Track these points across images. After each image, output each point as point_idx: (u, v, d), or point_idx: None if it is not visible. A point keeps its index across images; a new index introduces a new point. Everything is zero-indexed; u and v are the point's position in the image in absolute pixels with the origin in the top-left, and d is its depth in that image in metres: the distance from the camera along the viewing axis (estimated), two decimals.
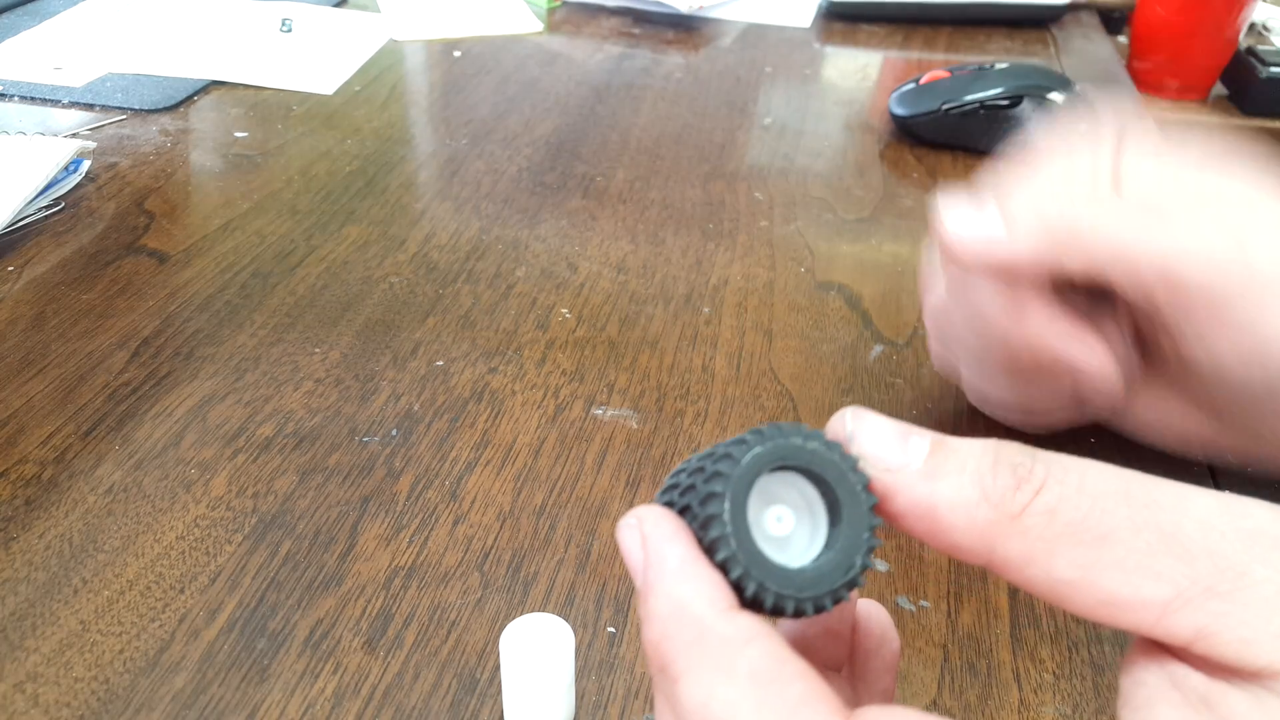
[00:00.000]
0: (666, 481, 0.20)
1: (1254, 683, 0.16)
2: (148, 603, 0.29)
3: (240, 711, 0.26)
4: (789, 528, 0.19)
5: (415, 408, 0.36)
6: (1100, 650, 0.28)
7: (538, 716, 0.25)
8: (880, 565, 0.31)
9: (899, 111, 0.58)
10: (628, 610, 0.29)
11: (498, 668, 0.27)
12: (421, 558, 0.30)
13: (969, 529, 0.18)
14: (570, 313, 0.42)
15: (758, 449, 0.18)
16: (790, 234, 0.49)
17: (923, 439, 0.19)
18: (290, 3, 0.79)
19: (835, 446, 0.19)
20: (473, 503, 0.32)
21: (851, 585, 0.18)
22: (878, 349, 0.40)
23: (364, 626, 0.28)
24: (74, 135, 0.55)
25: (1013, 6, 0.79)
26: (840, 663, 0.22)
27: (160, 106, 0.59)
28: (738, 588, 0.18)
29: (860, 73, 0.70)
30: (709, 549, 0.18)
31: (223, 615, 0.28)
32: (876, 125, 0.61)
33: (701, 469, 0.19)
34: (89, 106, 0.59)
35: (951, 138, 0.57)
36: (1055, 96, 0.55)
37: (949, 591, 0.30)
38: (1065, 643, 0.28)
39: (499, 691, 0.26)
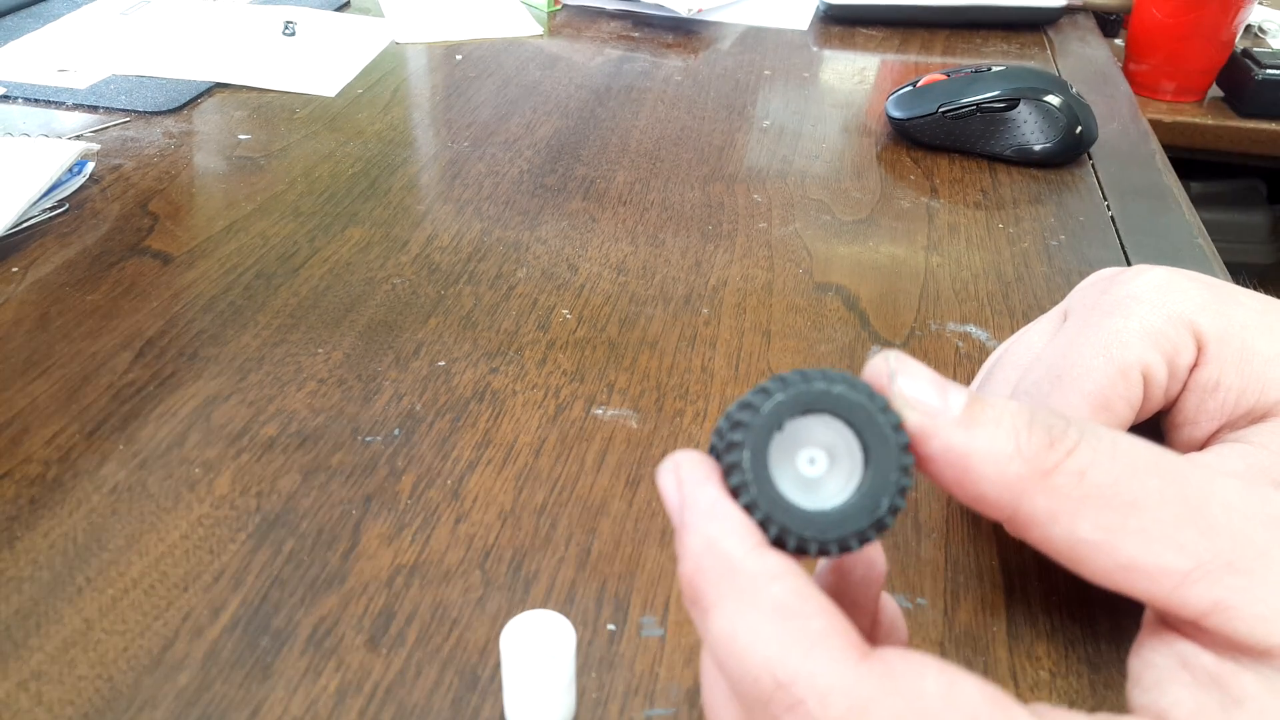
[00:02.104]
0: (721, 419, 0.21)
1: (1263, 662, 0.17)
2: (151, 601, 0.29)
3: (243, 709, 0.26)
4: (822, 469, 0.19)
5: (417, 408, 0.37)
6: (1096, 648, 0.28)
7: (538, 713, 0.25)
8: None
9: (896, 114, 0.58)
10: (628, 608, 0.29)
11: (499, 665, 0.27)
12: (423, 556, 0.31)
13: (998, 480, 0.18)
14: (571, 313, 0.42)
15: (779, 397, 0.19)
16: (788, 235, 0.49)
17: (960, 392, 0.19)
18: (293, 6, 0.79)
19: (863, 388, 0.19)
20: (474, 502, 0.33)
21: (879, 526, 0.18)
22: (875, 349, 0.41)
23: (366, 624, 0.28)
24: (78, 137, 0.56)
25: (1009, 10, 0.79)
26: (873, 595, 0.22)
27: (164, 109, 0.60)
28: (763, 530, 0.18)
29: (858, 75, 0.70)
30: (734, 494, 0.19)
31: (226, 613, 0.29)
32: (874, 128, 0.61)
33: (730, 417, 0.19)
34: (93, 108, 0.59)
35: (948, 140, 0.57)
36: (1051, 99, 0.55)
37: (946, 589, 0.30)
38: (1061, 641, 0.29)
39: (500, 689, 0.27)
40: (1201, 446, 0.30)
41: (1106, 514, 0.17)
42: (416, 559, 0.31)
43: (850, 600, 0.21)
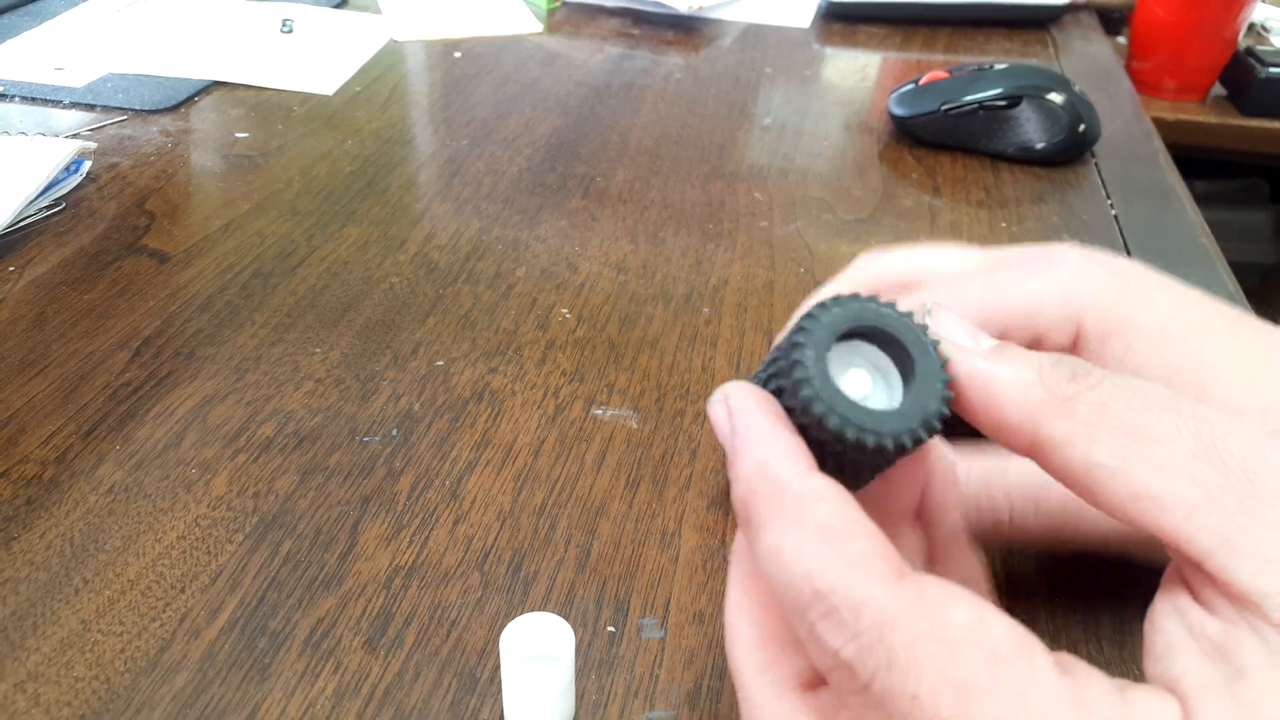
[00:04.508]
0: (750, 379, 0.22)
1: (1265, 621, 0.17)
2: (148, 602, 0.29)
3: (241, 711, 0.26)
4: (867, 388, 0.20)
5: (415, 408, 0.36)
6: (1099, 649, 0.28)
7: (538, 716, 0.25)
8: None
9: (898, 112, 0.58)
10: (628, 610, 0.29)
11: (498, 667, 0.27)
12: (422, 557, 0.30)
13: (1020, 404, 0.19)
14: (570, 313, 0.42)
15: (836, 310, 0.20)
16: (790, 234, 0.49)
17: (992, 338, 0.21)
18: (291, 3, 0.79)
19: (907, 315, 0.20)
20: (473, 502, 0.32)
21: (930, 428, 0.19)
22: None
23: (364, 626, 0.28)
24: (75, 136, 0.56)
25: (1012, 7, 0.79)
26: (914, 510, 0.23)
27: (161, 107, 0.59)
28: (820, 427, 0.19)
29: (859, 73, 0.70)
30: (793, 391, 0.19)
31: (223, 615, 0.28)
32: (876, 126, 0.61)
33: (782, 345, 0.20)
34: (90, 107, 0.59)
35: (950, 138, 0.57)
36: (1054, 97, 0.55)
37: None
38: (1064, 641, 0.28)
39: (499, 691, 0.27)
40: None
41: (1124, 442, 0.18)
42: (415, 560, 0.30)
43: (898, 481, 0.23)
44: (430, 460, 0.34)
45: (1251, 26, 1.20)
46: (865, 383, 0.20)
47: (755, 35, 0.76)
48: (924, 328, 0.20)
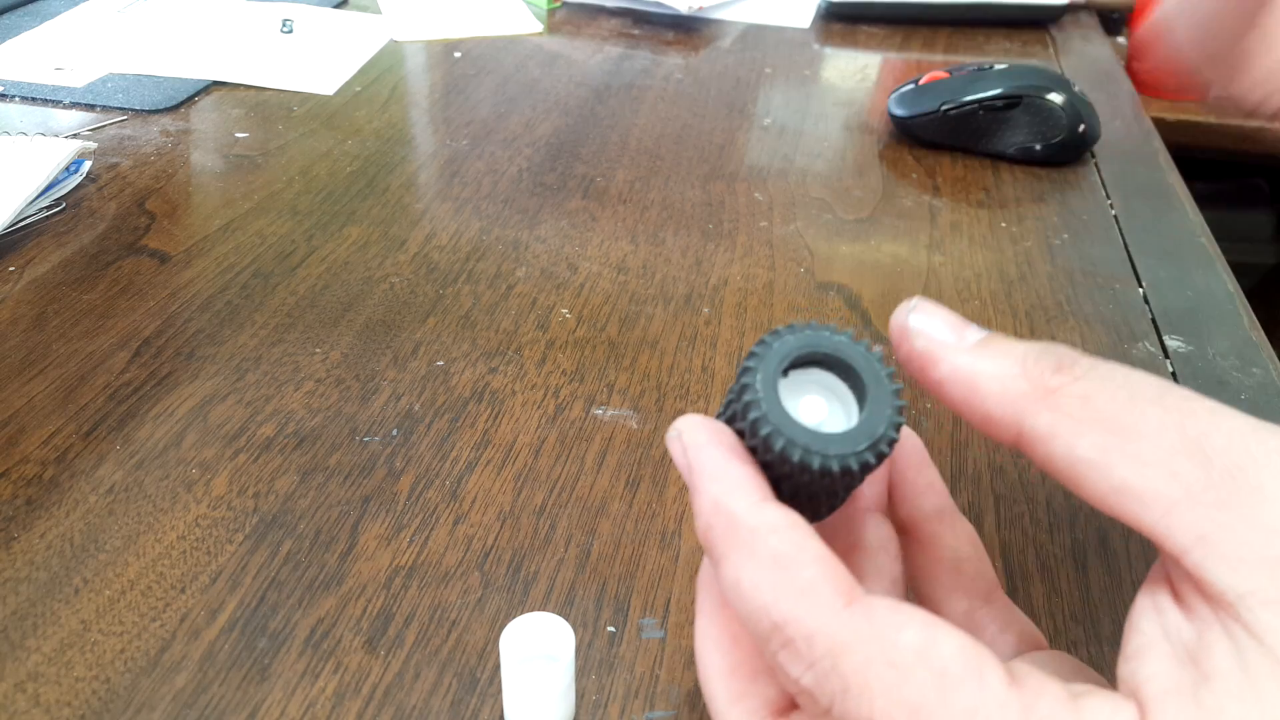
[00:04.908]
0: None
1: (1238, 623, 0.16)
2: (149, 602, 0.29)
3: (241, 711, 0.26)
4: (823, 414, 0.21)
5: (416, 408, 0.36)
6: (1099, 649, 0.28)
7: (538, 716, 0.25)
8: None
9: (898, 112, 0.58)
10: (628, 610, 0.29)
11: (498, 667, 0.27)
12: (422, 557, 0.30)
13: (1003, 397, 0.19)
14: (570, 313, 0.42)
15: (788, 336, 0.20)
16: (790, 234, 0.49)
17: (978, 331, 0.21)
18: (291, 3, 0.79)
19: (861, 343, 0.21)
20: (473, 502, 0.32)
21: (879, 452, 0.19)
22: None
23: (365, 626, 0.28)
24: (75, 136, 0.56)
25: (1012, 7, 0.79)
26: (880, 503, 0.24)
27: (161, 107, 0.59)
28: (767, 447, 0.19)
29: (859, 73, 0.70)
30: (743, 414, 0.20)
31: (223, 615, 0.28)
32: (876, 126, 0.61)
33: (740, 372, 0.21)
34: (90, 107, 0.59)
35: (950, 138, 0.57)
36: (1054, 97, 0.55)
37: None
38: (1063, 643, 0.28)
39: (499, 691, 0.27)
40: None
41: (1106, 436, 0.18)
42: (415, 560, 0.30)
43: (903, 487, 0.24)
44: (430, 460, 0.34)
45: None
46: (821, 409, 0.21)
47: (755, 36, 0.76)
48: (877, 354, 0.20)
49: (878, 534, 0.23)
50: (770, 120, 0.62)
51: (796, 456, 0.19)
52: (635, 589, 0.30)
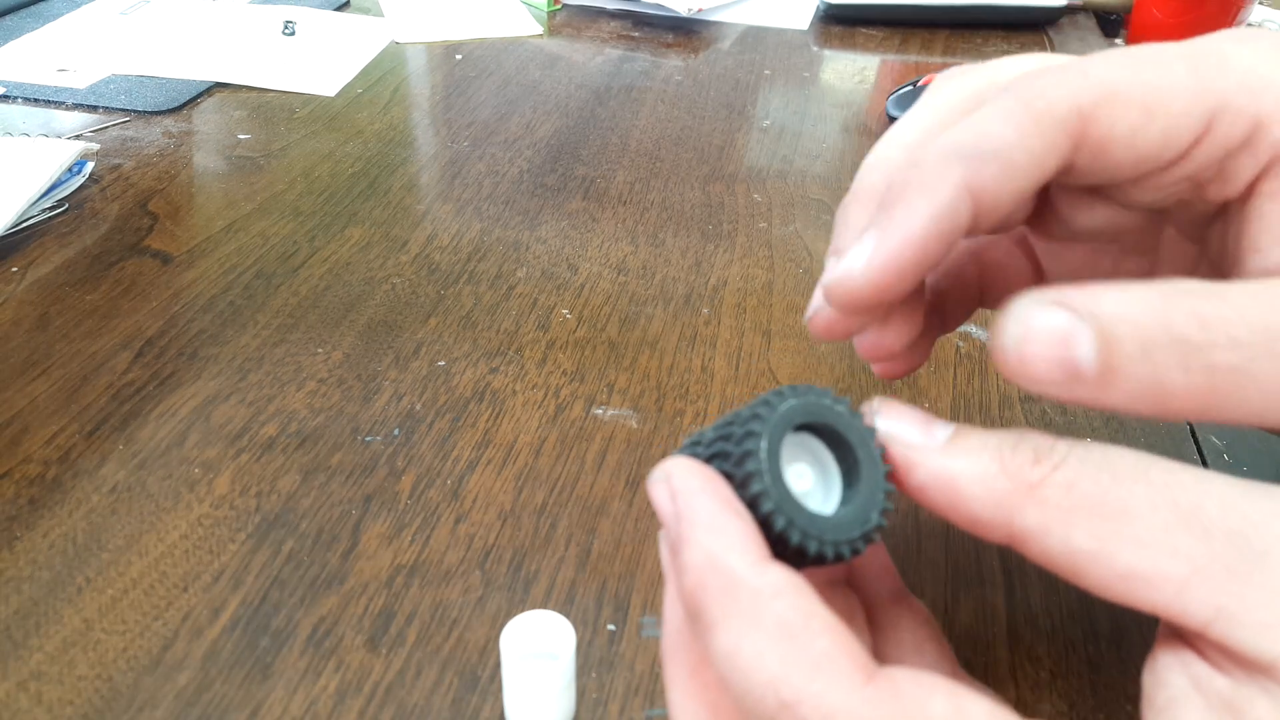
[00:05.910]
0: (685, 442, 0.21)
1: (1276, 683, 0.16)
2: (151, 601, 0.29)
3: (243, 709, 0.26)
4: (809, 484, 0.20)
5: (417, 407, 0.37)
6: (1097, 649, 0.28)
7: (538, 714, 0.25)
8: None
9: (897, 114, 0.58)
10: (628, 608, 0.29)
11: (499, 665, 0.27)
12: (423, 556, 0.31)
13: (987, 499, 0.18)
14: (571, 313, 0.42)
15: (793, 401, 0.19)
16: (789, 235, 0.49)
17: (946, 426, 0.19)
18: (293, 6, 0.79)
19: (857, 414, 0.20)
20: (474, 502, 0.33)
21: (868, 539, 0.19)
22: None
23: (366, 625, 0.28)
24: (77, 137, 0.56)
25: (1010, 9, 0.79)
26: (843, 576, 0.23)
27: (164, 108, 0.60)
28: (766, 524, 0.18)
29: (858, 75, 0.70)
30: (741, 484, 0.19)
31: (226, 614, 0.29)
32: (874, 127, 0.61)
33: (731, 422, 0.20)
34: (92, 108, 0.59)
35: None
36: None
37: (946, 590, 0.30)
38: (1062, 641, 0.29)
39: (500, 689, 0.27)
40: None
41: (1099, 524, 0.17)
42: (416, 559, 0.30)
43: None
44: (432, 460, 0.34)
45: (1249, 28, 1.20)
46: (807, 478, 0.20)
47: (754, 37, 0.76)
48: (872, 430, 0.20)
49: (846, 605, 0.22)
50: (769, 122, 0.62)
51: (795, 539, 0.18)
52: (635, 587, 0.30)
